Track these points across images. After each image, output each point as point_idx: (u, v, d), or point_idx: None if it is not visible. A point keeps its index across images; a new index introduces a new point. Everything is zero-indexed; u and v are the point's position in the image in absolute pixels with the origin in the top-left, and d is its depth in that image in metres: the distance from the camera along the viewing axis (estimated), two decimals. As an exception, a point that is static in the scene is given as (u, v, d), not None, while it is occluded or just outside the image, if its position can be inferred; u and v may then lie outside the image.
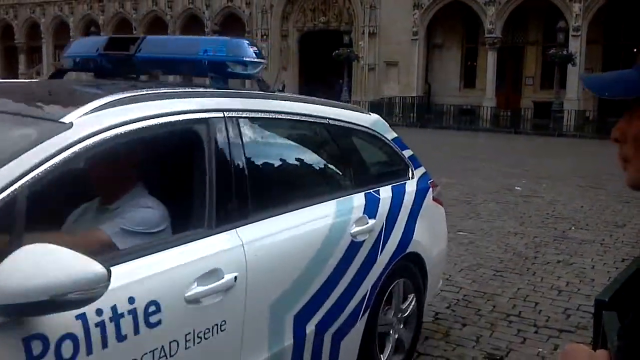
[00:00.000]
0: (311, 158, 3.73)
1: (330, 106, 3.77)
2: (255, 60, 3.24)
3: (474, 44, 32.04)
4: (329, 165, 3.78)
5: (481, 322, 5.13)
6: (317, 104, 3.67)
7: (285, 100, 3.38)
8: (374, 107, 28.58)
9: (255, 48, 3.29)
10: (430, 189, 4.44)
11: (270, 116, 3.20)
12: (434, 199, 4.48)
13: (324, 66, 35.65)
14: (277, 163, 3.35)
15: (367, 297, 3.53)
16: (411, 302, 4.13)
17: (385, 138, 4.21)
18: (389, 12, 31.65)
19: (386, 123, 4.38)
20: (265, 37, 35.24)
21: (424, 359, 4.42)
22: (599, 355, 1.19)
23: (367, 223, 3.50)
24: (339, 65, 31.00)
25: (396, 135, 4.37)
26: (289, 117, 3.34)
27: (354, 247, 3.38)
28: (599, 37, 29.24)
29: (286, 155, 3.47)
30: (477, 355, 4.50)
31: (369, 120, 4.12)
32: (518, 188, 11.57)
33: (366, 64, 32.10)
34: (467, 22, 32.04)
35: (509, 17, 29.65)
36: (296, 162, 3.57)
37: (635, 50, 29.18)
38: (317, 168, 3.74)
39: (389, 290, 3.80)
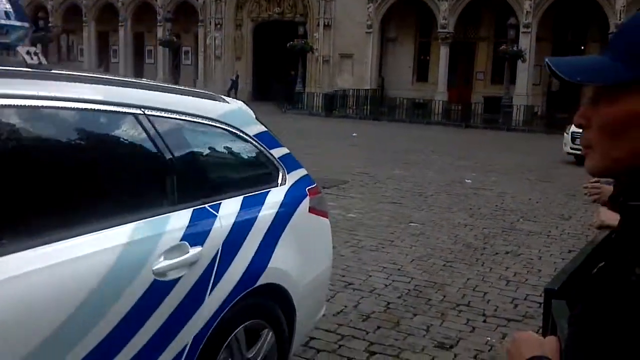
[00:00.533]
0: (98, 165, 2.56)
1: (154, 90, 2.84)
2: (11, 23, 2.42)
3: (427, 38, 32.39)
4: (131, 174, 2.69)
5: (431, 311, 5.19)
6: (128, 87, 2.73)
7: (68, 81, 2.40)
8: (327, 99, 28.67)
9: (8, 6, 2.44)
10: (307, 197, 3.51)
11: (34, 104, 2.21)
12: (313, 210, 3.57)
13: (278, 57, 35.53)
14: (34, 173, 2.26)
15: (185, 355, 2.63)
16: (265, 342, 3.15)
17: (244, 133, 3.25)
18: (344, 5, 31.69)
19: (250, 113, 3.50)
20: (219, 26, 34.88)
21: (376, 348, 4.44)
22: (548, 341, 1.20)
23: (187, 253, 2.56)
24: (293, 56, 30.90)
25: (264, 128, 3.46)
26: (66, 106, 2.33)
27: (158, 289, 2.43)
28: (549, 35, 29.90)
29: (51, 162, 2.34)
30: (428, 344, 4.55)
31: (217, 110, 3.14)
32: (468, 181, 11.74)
33: (321, 56, 32.09)
34: (421, 16, 32.36)
35: (462, 12, 30.04)
36: (68, 172, 2.41)
37: (582, 47, 30.00)
38: (109, 178, 2.58)
39: (228, 340, 2.86)
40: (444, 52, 29.52)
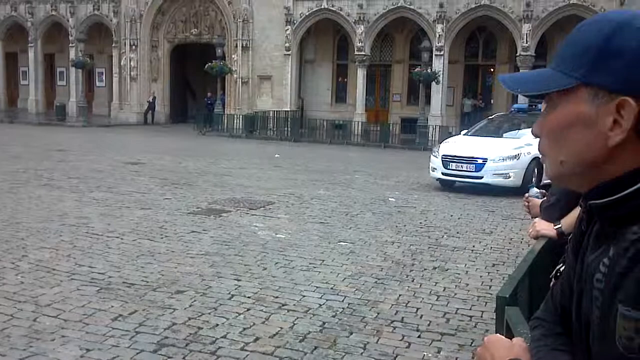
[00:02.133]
0: None
1: None
2: None
3: (345, 60, 32.94)
4: None
5: (367, 329, 5.22)
6: None
7: None
8: (248, 120, 28.57)
9: None
10: None
11: None
12: None
13: (196, 79, 35.18)
14: None
15: None
16: None
17: None
18: (261, 27, 31.81)
19: None
20: (134, 47, 34.21)
21: (315, 369, 4.42)
22: (517, 342, 1.25)
23: None
24: (212, 78, 30.67)
25: None
26: None
27: None
28: (460, 57, 31.04)
29: None
30: (366, 362, 4.56)
31: None
32: (392, 199, 11.94)
33: (240, 77, 31.99)
34: (338, 39, 32.92)
35: (377, 35, 30.76)
36: None
37: (492, 69, 31.28)
38: None
39: None
40: (361, 74, 30.08)
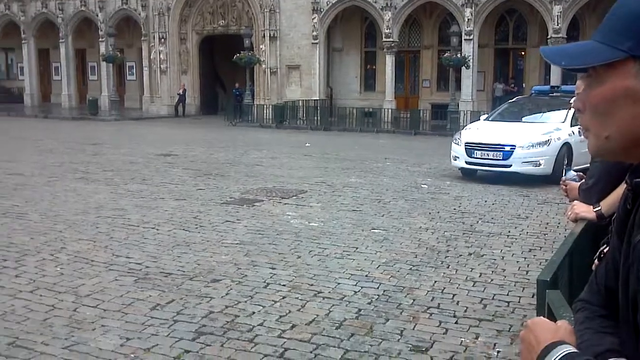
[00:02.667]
0: None
1: None
2: None
3: (373, 48, 32.74)
4: None
5: (403, 315, 5.21)
6: None
7: None
8: (277, 110, 28.61)
9: None
10: None
11: None
12: None
13: (225, 70, 35.29)
14: None
15: None
16: None
17: None
18: (288, 16, 31.76)
19: None
20: (163, 40, 34.45)
21: (352, 355, 4.42)
22: (562, 325, 1.22)
23: None
24: (241, 69, 30.77)
25: None
26: None
27: None
28: (490, 41, 30.61)
29: None
30: (403, 349, 4.55)
31: None
32: (424, 185, 11.87)
33: (268, 68, 32.03)
34: (366, 26, 32.73)
35: (405, 21, 30.50)
36: None
37: (522, 53, 30.81)
38: None
39: None
40: (389, 61, 29.86)
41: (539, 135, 12.36)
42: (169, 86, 34.82)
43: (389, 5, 29.35)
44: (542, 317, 1.52)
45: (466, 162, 12.71)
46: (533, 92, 15.72)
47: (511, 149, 12.21)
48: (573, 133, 12.11)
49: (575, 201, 3.21)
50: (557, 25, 26.34)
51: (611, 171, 3.02)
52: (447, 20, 29.83)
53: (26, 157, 15.17)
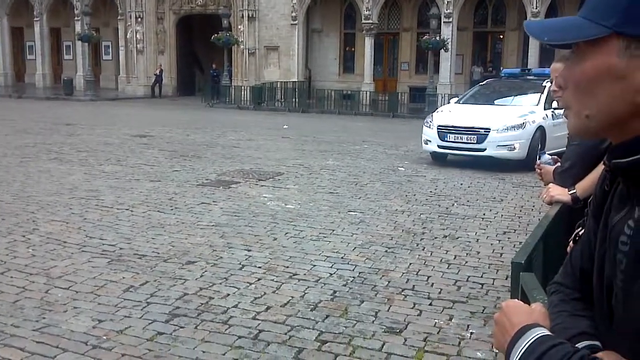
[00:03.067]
0: None
1: None
2: None
3: (352, 29, 32.62)
4: None
5: (378, 297, 5.22)
6: None
7: None
8: (255, 92, 28.44)
9: None
10: None
11: None
12: None
13: (203, 50, 34.93)
14: None
15: None
16: None
17: None
18: (267, -4, 31.46)
19: None
20: (140, 19, 33.98)
21: (326, 337, 4.42)
22: (537, 307, 1.21)
23: None
24: (219, 49, 30.47)
25: None
26: None
27: None
28: (469, 24, 30.65)
29: None
30: (377, 330, 4.56)
31: None
32: (401, 168, 11.89)
33: (246, 48, 31.77)
34: (345, 8, 32.57)
35: (385, 3, 30.39)
36: None
37: (501, 36, 30.90)
38: None
39: None
40: (368, 43, 29.78)
41: (514, 118, 12.11)
42: (145, 66, 34.41)
43: (368, -14, 29.21)
44: (516, 299, 1.51)
45: (438, 146, 12.38)
46: (503, 74, 15.56)
47: (485, 132, 11.93)
48: (547, 116, 12.15)
49: (551, 184, 3.23)
50: (536, 8, 26.44)
51: (587, 154, 3.03)
52: (427, 3, 29.81)
53: (-1, 137, 14.92)
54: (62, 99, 30.59)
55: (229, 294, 5.18)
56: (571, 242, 2.08)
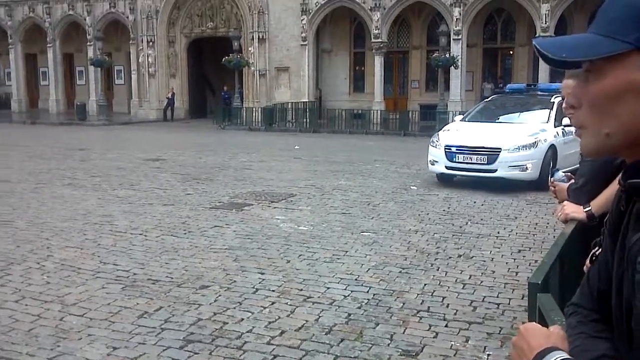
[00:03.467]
0: None
1: None
2: None
3: (362, 49, 32.76)
4: None
5: (393, 319, 5.17)
6: None
7: None
8: (267, 113, 28.56)
9: None
10: None
11: None
12: None
13: (213, 73, 35.19)
14: None
15: None
16: None
17: None
18: (277, 18, 31.73)
19: None
20: (151, 43, 34.33)
21: (342, 361, 4.38)
22: (555, 331, 1.20)
23: None
24: (230, 71, 30.69)
25: None
26: None
27: None
28: (479, 40, 30.71)
29: None
30: (393, 353, 4.52)
31: None
32: (413, 187, 11.86)
33: (257, 70, 31.97)
34: (354, 27, 32.75)
35: (394, 22, 30.53)
36: None
37: (511, 52, 30.90)
38: None
39: None
40: (378, 61, 29.88)
41: (525, 137, 11.55)
42: (157, 90, 34.69)
43: (377, 5, 29.39)
44: (534, 322, 1.49)
45: (446, 167, 11.79)
46: (508, 90, 14.92)
47: (496, 152, 11.36)
48: (558, 134, 11.74)
49: (565, 201, 3.20)
50: (545, 23, 26.44)
51: (601, 171, 3.01)
52: (436, 20, 29.92)
53: (13, 164, 15.05)
54: (76, 124, 30.88)
55: (243, 319, 5.16)
56: (588, 261, 2.05)
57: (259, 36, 31.81)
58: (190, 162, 15.73)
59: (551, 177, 3.83)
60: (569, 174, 3.72)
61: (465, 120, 13.41)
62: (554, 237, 7.86)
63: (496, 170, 11.36)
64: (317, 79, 32.64)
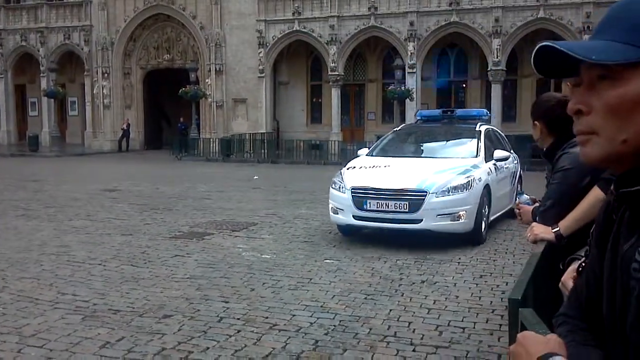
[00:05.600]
0: None
1: None
2: None
3: (319, 81, 33.11)
4: None
5: (360, 345, 5.15)
6: None
7: None
8: (224, 144, 28.48)
9: None
10: None
11: None
12: None
13: (170, 104, 35.01)
14: None
15: None
16: None
17: None
18: (234, 51, 31.88)
19: None
20: (106, 75, 34.02)
21: (311, 387, 4.33)
22: (552, 337, 1.21)
23: None
24: (186, 103, 30.58)
25: None
26: None
27: None
28: (432, 74, 31.37)
29: None
30: (363, 378, 4.49)
31: None
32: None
33: (214, 101, 31.96)
34: (311, 60, 33.11)
35: (350, 55, 30.99)
36: None
37: (464, 85, 31.64)
38: None
39: None
40: (335, 94, 30.25)
41: (456, 176, 9.05)
42: (112, 121, 34.31)
43: (333, 39, 29.83)
44: (531, 331, 1.50)
45: (354, 217, 9.01)
46: (419, 117, 12.19)
47: (421, 196, 8.74)
48: (491, 171, 9.90)
49: (534, 223, 3.27)
50: (497, 58, 27.23)
51: (567, 193, 3.09)
52: (391, 54, 30.47)
53: (-37, 195, 14.60)
54: (28, 155, 30.22)
55: (208, 347, 5.07)
56: (565, 276, 2.09)
57: (216, 68, 31.88)
58: (147, 193, 15.51)
59: (516, 200, 3.91)
60: (534, 197, 3.81)
61: (372, 155, 10.67)
62: (514, 262, 8.02)
63: (421, 220, 8.72)
64: (275, 110, 32.79)
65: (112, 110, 34.36)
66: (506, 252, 8.68)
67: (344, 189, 9.24)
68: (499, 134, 12.17)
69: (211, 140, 29.51)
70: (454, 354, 4.96)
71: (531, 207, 3.60)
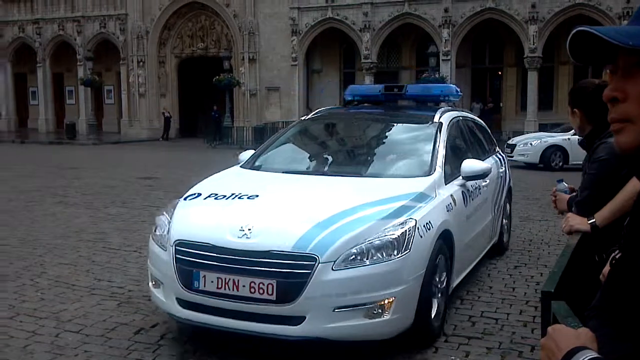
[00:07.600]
0: None
1: None
2: None
3: (352, 69, 32.98)
4: None
5: (392, 335, 5.13)
6: None
7: None
8: (257, 132, 28.63)
9: None
10: None
11: None
12: None
13: (204, 92, 35.30)
14: None
15: None
16: None
17: None
18: (267, 39, 31.94)
19: None
20: (142, 63, 34.41)
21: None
22: (583, 331, 1.20)
23: None
24: (220, 91, 30.79)
25: None
26: None
27: None
28: (467, 61, 31.01)
29: None
30: (394, 368, 4.49)
31: None
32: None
33: (247, 90, 32.11)
34: (345, 47, 32.99)
35: (384, 42, 30.80)
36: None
37: (499, 72, 31.22)
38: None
39: None
40: (368, 81, 30.07)
41: (380, 223, 4.48)
42: (147, 109, 34.72)
43: (367, 27, 29.66)
44: (562, 325, 1.48)
45: (179, 301, 4.53)
46: (348, 96, 7.38)
47: (303, 267, 4.19)
48: (454, 201, 5.52)
49: (570, 213, 3.21)
50: (533, 44, 26.79)
51: (604, 184, 3.03)
52: (425, 41, 30.19)
53: (3, 182, 14.95)
54: (65, 143, 30.78)
55: (241, 334, 5.10)
56: (608, 265, 2.05)
57: (249, 56, 31.99)
58: (182, 180, 15.66)
59: (554, 187, 3.83)
60: (572, 185, 3.73)
61: (249, 167, 6.32)
62: (549, 253, 7.91)
63: (303, 318, 4.19)
64: (308, 98, 32.80)
65: (148, 99, 34.77)
66: (541, 243, 8.57)
67: (166, 241, 4.78)
68: (478, 125, 7.77)
69: (244, 128, 29.68)
70: (486, 345, 4.92)
71: (567, 196, 3.53)
